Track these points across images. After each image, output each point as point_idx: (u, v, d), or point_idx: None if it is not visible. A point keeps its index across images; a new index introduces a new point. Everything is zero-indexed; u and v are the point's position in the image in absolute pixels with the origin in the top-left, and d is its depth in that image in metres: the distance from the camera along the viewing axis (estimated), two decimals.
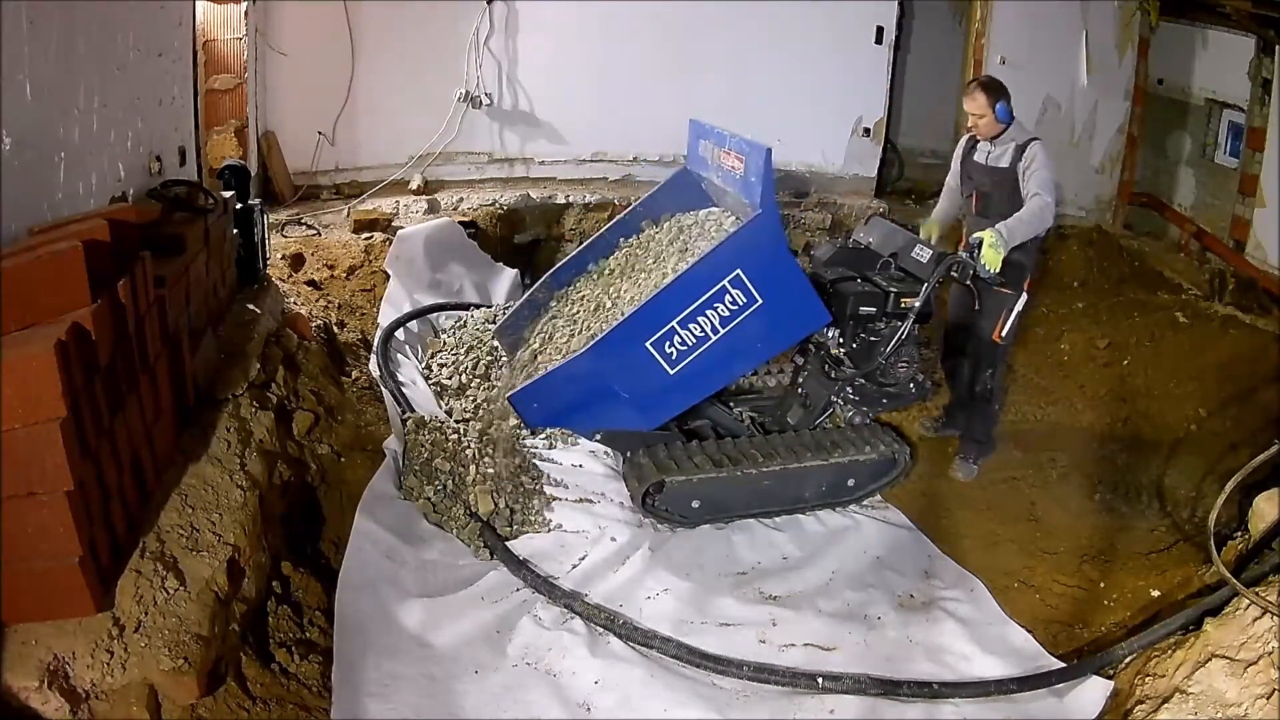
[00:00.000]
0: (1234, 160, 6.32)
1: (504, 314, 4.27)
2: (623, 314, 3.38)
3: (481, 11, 6.08)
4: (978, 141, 3.96)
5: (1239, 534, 3.13)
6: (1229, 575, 2.59)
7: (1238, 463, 2.90)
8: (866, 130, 6.96)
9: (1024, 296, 3.85)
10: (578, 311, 3.82)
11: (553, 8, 6.21)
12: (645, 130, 6.44)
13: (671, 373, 3.26)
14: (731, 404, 4.03)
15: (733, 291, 3.21)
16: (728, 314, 3.23)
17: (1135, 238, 6.84)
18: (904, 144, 7.79)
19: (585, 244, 4.03)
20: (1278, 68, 5.79)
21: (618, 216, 3.99)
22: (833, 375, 3.77)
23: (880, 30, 6.71)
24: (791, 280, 3.37)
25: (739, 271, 3.19)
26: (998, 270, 3.55)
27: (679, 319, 3.21)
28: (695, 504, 3.40)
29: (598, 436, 3.63)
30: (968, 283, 3.68)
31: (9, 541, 2.00)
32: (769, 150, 3.19)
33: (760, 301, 3.24)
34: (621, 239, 4.01)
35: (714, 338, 3.25)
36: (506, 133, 6.45)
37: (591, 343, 3.18)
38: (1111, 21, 6.80)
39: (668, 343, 3.23)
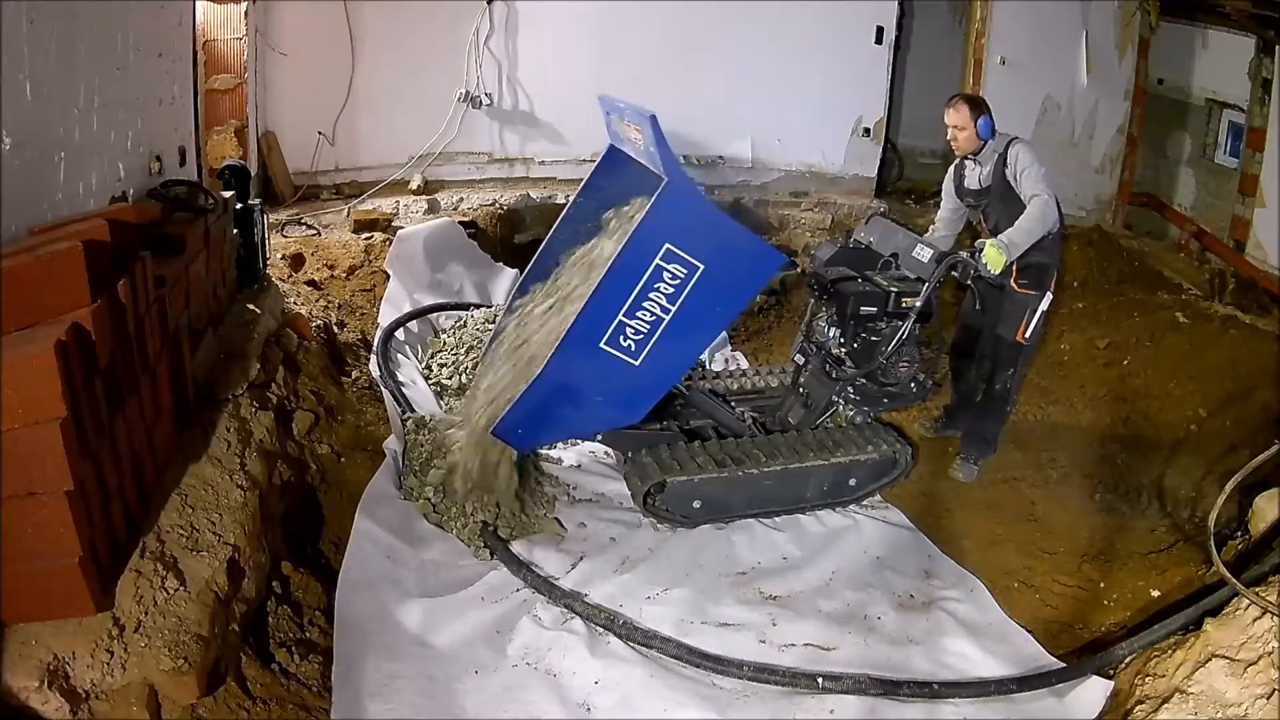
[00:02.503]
0: (1234, 160, 6.33)
1: (485, 345, 4.09)
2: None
3: (481, 11, 6.08)
4: (964, 169, 3.97)
5: (1239, 534, 3.13)
6: (1229, 575, 2.58)
7: (1238, 463, 2.89)
8: (866, 130, 6.97)
9: (1049, 296, 3.83)
10: (537, 330, 3.72)
11: (553, 7, 6.22)
12: None
13: (637, 364, 3.15)
14: (733, 404, 4.03)
15: (669, 267, 3.04)
16: (672, 290, 3.07)
17: (1135, 238, 6.84)
18: (904, 144, 7.80)
19: (538, 254, 3.88)
20: (1278, 68, 5.79)
21: (561, 215, 3.86)
22: (834, 375, 3.76)
23: (880, 30, 6.72)
24: (726, 235, 3.19)
25: (667, 245, 3.02)
26: (999, 271, 3.54)
27: (623, 312, 3.07)
28: (696, 504, 3.40)
29: (599, 438, 3.62)
30: (969, 283, 3.68)
31: (9, 541, 2.00)
32: (653, 116, 3.04)
33: (702, 267, 3.07)
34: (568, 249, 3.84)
35: (667, 317, 3.08)
36: (506, 133, 6.46)
37: (544, 363, 3.11)
38: (1111, 21, 6.81)
39: (621, 337, 3.09)
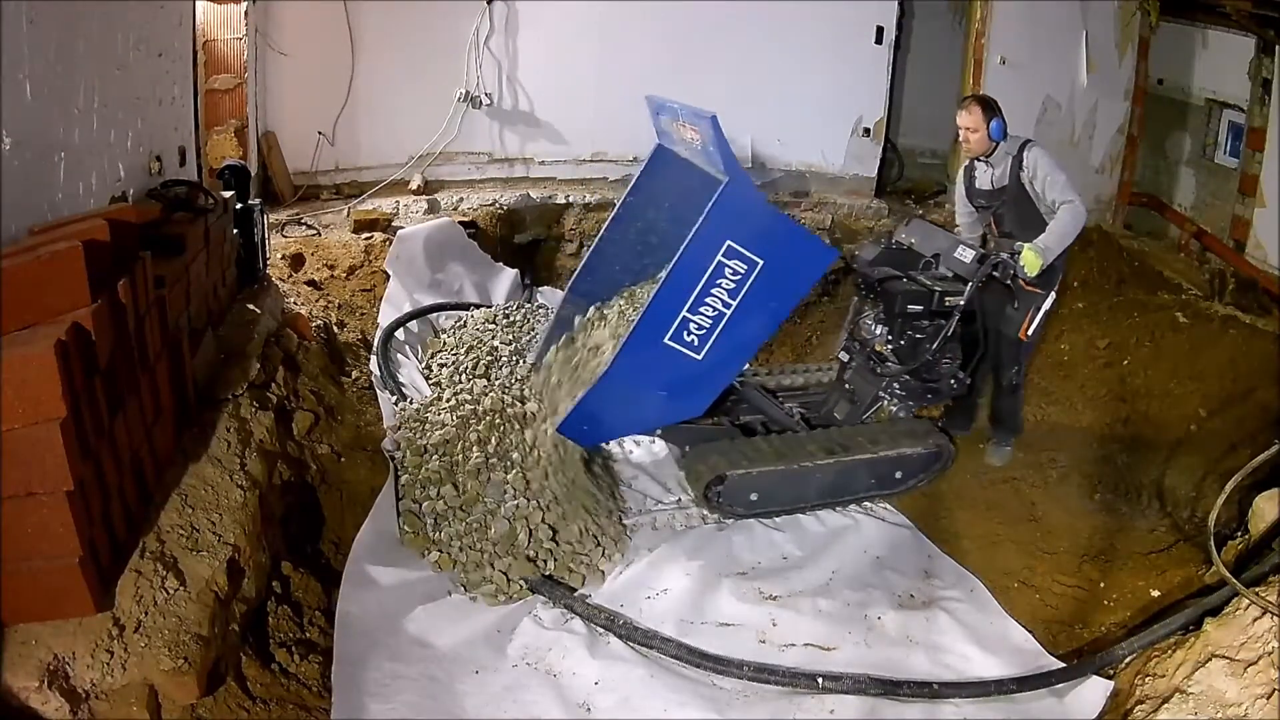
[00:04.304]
0: (1234, 160, 6.31)
1: (532, 345, 4.18)
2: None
3: (481, 11, 6.08)
4: (975, 170, 4.02)
5: (1239, 534, 3.13)
6: (1229, 575, 2.59)
7: (1238, 463, 2.90)
8: (866, 130, 6.96)
9: (1052, 296, 3.90)
10: (609, 330, 3.79)
11: (553, 8, 6.21)
12: (645, 130, 6.38)
13: (700, 358, 3.25)
14: (781, 399, 4.09)
15: (730, 263, 3.15)
16: (733, 285, 3.19)
17: (1135, 238, 6.82)
18: (904, 144, 7.79)
19: (591, 248, 3.99)
20: (1278, 68, 5.79)
21: (613, 212, 3.95)
22: (879, 371, 3.85)
23: (880, 30, 6.70)
24: (784, 231, 3.33)
25: (729, 242, 3.14)
26: (1036, 274, 3.65)
27: (687, 307, 3.17)
28: (754, 496, 3.48)
29: (659, 433, 3.67)
30: (1008, 283, 3.76)
31: (9, 541, 2.00)
32: (714, 116, 3.19)
33: (761, 262, 3.19)
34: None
35: (728, 311, 3.21)
36: (506, 133, 6.45)
37: (613, 360, 3.19)
38: (1111, 21, 6.79)
39: (685, 332, 3.20)
